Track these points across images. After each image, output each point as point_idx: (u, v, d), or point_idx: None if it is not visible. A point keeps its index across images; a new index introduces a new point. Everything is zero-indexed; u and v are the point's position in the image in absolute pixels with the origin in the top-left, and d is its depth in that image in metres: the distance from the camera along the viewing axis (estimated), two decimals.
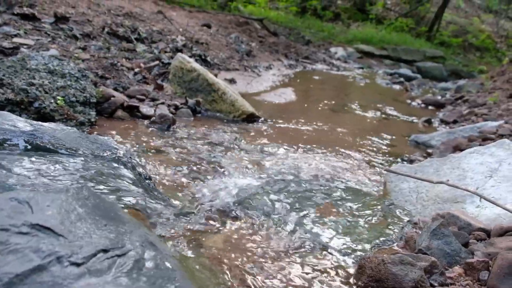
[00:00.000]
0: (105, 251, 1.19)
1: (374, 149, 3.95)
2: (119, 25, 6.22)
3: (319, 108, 5.65)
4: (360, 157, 3.60)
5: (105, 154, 2.11)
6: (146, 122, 3.74)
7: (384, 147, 4.10)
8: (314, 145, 3.74)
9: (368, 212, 2.26)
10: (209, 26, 8.76)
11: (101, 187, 1.79)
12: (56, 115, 3.29)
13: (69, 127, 2.30)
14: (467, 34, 17.95)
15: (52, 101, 3.35)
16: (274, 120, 4.53)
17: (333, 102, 6.20)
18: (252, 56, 8.02)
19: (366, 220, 2.17)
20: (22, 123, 2.21)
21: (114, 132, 3.30)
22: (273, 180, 2.70)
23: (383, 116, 5.68)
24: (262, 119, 4.46)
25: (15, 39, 4.51)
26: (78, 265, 1.09)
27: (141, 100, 4.14)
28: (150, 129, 3.57)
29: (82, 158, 2.00)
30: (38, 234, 1.11)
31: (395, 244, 1.95)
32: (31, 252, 1.05)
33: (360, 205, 2.35)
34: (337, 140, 4.04)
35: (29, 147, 2.02)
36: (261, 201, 2.29)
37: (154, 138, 3.33)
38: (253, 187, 2.53)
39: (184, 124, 3.85)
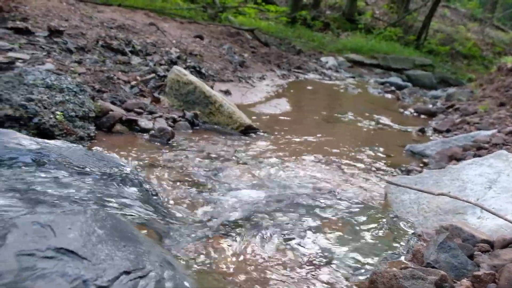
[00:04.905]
0: (127, 273, 1.20)
1: (371, 159, 4.00)
2: (113, 37, 6.23)
3: (314, 119, 5.70)
4: (358, 168, 3.64)
5: (112, 172, 2.12)
6: (145, 135, 3.74)
7: (380, 157, 4.15)
8: (312, 157, 3.78)
9: (373, 225, 2.29)
10: (201, 38, 8.80)
11: (112, 206, 1.80)
12: (56, 131, 3.28)
13: (75, 145, 2.30)
14: (454, 42, 18.28)
15: (52, 116, 3.34)
16: (271, 131, 4.56)
17: (327, 112, 6.27)
18: (245, 67, 8.07)
19: (372, 233, 2.21)
20: (27, 141, 2.21)
21: (114, 147, 3.30)
22: (276, 194, 2.73)
23: (377, 125, 5.75)
24: (259, 130, 4.49)
25: (10, 54, 4.49)
26: None
27: (139, 114, 4.14)
28: (150, 143, 3.58)
29: (90, 176, 2.00)
30: (63, 258, 1.12)
31: (402, 257, 1.98)
32: (58, 276, 1.06)
33: (364, 217, 2.38)
34: (334, 151, 4.08)
35: (36, 165, 2.02)
36: (266, 216, 2.31)
37: (154, 152, 3.34)
38: (257, 201, 2.55)
39: (183, 137, 3.86)
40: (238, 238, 2.04)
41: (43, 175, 1.84)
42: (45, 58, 4.68)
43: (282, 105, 6.10)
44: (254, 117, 4.94)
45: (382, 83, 10.59)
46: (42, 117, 3.25)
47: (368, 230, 2.24)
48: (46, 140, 2.24)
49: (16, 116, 3.16)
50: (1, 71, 3.86)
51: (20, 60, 4.38)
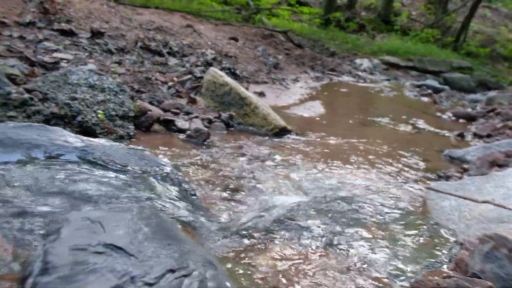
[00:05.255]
0: (172, 271, 1.22)
1: (409, 164, 3.92)
2: (151, 39, 6.36)
3: (349, 121, 5.64)
4: (395, 172, 3.58)
5: (153, 171, 2.17)
6: (181, 135, 3.80)
7: (418, 162, 4.06)
8: (348, 160, 3.74)
9: (412, 231, 2.25)
10: (236, 39, 8.87)
11: (154, 204, 1.83)
12: (98, 129, 3.38)
13: (117, 143, 2.36)
14: (495, 44, 17.65)
15: (94, 115, 3.44)
16: (305, 134, 4.55)
17: (362, 115, 6.19)
18: (279, 68, 8.07)
19: (412, 240, 2.16)
20: (73, 139, 2.29)
21: (152, 146, 3.36)
22: (312, 197, 2.71)
23: (414, 129, 5.63)
24: (294, 133, 4.49)
25: (55, 54, 4.66)
26: (150, 285, 1.13)
27: (176, 114, 4.21)
28: (186, 143, 3.63)
29: (132, 175, 2.05)
30: (112, 253, 1.16)
31: (444, 266, 1.94)
32: (108, 272, 1.10)
33: (403, 223, 2.34)
34: (370, 155, 4.02)
35: (81, 162, 2.08)
36: (303, 220, 2.30)
37: (191, 152, 3.39)
38: (293, 204, 2.54)
39: (219, 138, 3.90)
40: (275, 241, 2.04)
41: (89, 172, 1.90)
42: (87, 58, 4.83)
43: (316, 108, 6.07)
44: (288, 119, 4.93)
45: (418, 86, 10.35)
46: (85, 116, 3.36)
47: (407, 236, 2.19)
48: (90, 138, 2.31)
49: (61, 114, 3.28)
50: (47, 71, 4.02)
51: (64, 61, 4.54)
